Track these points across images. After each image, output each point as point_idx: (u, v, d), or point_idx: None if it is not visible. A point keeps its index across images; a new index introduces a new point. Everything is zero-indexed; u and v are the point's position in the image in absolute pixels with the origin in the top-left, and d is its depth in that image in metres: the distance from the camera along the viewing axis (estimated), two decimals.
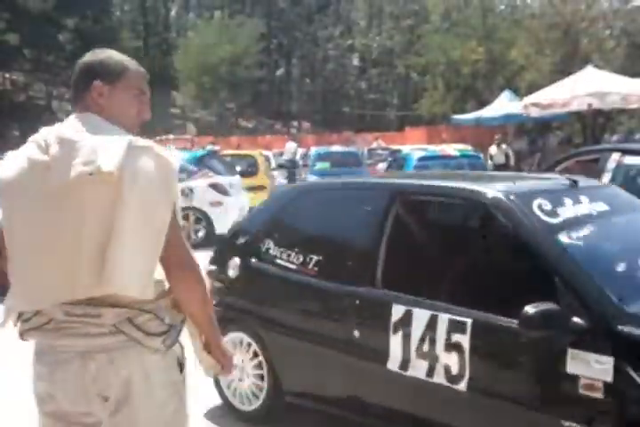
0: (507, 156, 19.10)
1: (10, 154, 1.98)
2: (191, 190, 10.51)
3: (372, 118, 47.08)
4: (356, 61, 55.88)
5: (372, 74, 50.87)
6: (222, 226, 10.29)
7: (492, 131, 24.20)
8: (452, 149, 13.52)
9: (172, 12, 61.66)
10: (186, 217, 10.10)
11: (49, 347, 1.86)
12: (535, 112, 14.57)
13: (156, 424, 1.86)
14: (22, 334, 1.89)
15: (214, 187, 10.81)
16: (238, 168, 15.45)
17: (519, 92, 23.16)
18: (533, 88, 18.98)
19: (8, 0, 35.64)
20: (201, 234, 10.84)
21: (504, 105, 22.01)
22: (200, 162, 11.76)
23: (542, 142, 23.17)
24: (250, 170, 15.29)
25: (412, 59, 39.95)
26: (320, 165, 17.97)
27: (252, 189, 14.75)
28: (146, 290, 1.76)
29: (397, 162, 12.63)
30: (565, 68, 20.98)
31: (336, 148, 20.94)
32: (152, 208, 1.74)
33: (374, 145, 24.37)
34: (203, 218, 10.80)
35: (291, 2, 56.50)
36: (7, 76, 46.74)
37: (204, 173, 11.11)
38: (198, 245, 9.55)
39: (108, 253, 1.68)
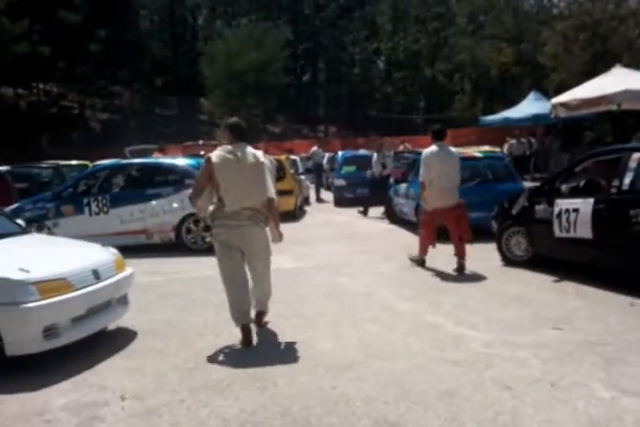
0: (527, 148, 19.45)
1: (217, 151, 5.21)
2: None
3: (399, 122, 46.89)
4: (381, 65, 55.77)
5: (398, 77, 50.71)
6: None
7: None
8: (475, 151, 13.56)
9: (200, 21, 62.28)
10: (196, 223, 10.16)
11: (222, 224, 5.17)
12: (563, 113, 14.36)
13: (262, 247, 5.34)
14: (215, 220, 5.22)
15: None
16: None
17: (548, 94, 22.89)
18: (562, 89, 18.75)
19: (40, 13, 36.37)
20: (208, 240, 10.84)
21: (531, 105, 21.81)
22: None
23: (547, 143, 22.74)
24: (277, 174, 15.25)
25: (439, 64, 39.75)
26: (346, 169, 17.98)
27: (279, 193, 14.80)
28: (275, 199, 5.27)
29: (414, 162, 12.62)
30: (595, 68, 20.67)
31: (362, 151, 20.89)
32: (270, 173, 5.28)
33: (401, 148, 24.27)
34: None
35: (315, 7, 56.69)
36: (42, 87, 47.66)
37: None
38: (206, 251, 9.43)
39: (264, 186, 5.18)
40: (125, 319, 5.93)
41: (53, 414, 3.99)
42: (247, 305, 5.26)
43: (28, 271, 4.70)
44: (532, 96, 23.02)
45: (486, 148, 19.98)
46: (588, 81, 15.05)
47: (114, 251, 5.90)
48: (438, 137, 8.18)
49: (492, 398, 3.96)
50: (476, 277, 7.56)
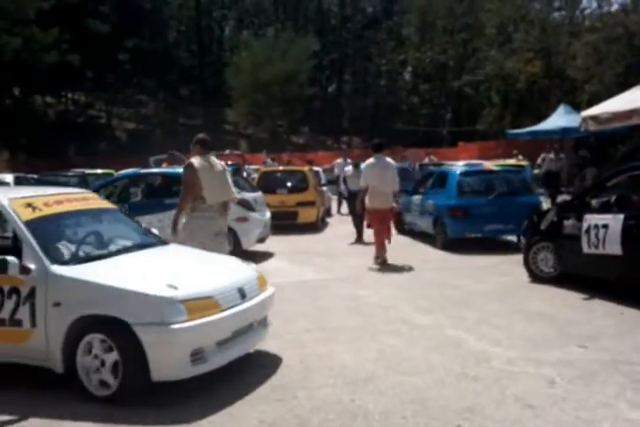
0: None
1: (195, 159, 6.72)
2: None
3: (425, 134, 46.72)
4: (408, 76, 55.68)
5: (425, 89, 50.55)
6: (247, 241, 10.40)
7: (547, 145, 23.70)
8: (492, 164, 13.69)
9: (227, 31, 62.89)
10: None
11: (201, 215, 6.67)
12: (594, 126, 14.12)
13: (225, 231, 7.11)
14: (194, 212, 6.66)
15: (241, 203, 10.44)
16: (289, 184, 15.54)
17: (581, 106, 22.62)
18: (595, 101, 18.53)
19: (70, 22, 37.00)
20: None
21: (561, 119, 21.57)
22: None
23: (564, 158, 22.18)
24: (300, 186, 15.26)
25: (467, 76, 39.59)
26: None
27: (301, 204, 14.78)
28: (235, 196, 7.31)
29: (430, 177, 12.93)
30: (628, 80, 20.38)
31: None
32: (228, 175, 7.06)
33: (426, 160, 24.16)
34: (229, 233, 10.52)
35: (342, 19, 56.92)
36: (70, 96, 48.43)
37: None
38: None
39: (230, 187, 7.03)
40: None
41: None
42: None
43: (176, 288, 4.27)
44: (561, 109, 22.80)
45: (512, 161, 19.86)
46: (620, 94, 14.82)
47: (255, 266, 5.43)
48: (377, 150, 9.68)
49: (513, 416, 3.86)
50: (500, 292, 7.44)
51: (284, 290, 6.12)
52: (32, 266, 4.38)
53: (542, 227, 7.93)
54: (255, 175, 17.57)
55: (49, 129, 39.61)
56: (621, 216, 6.64)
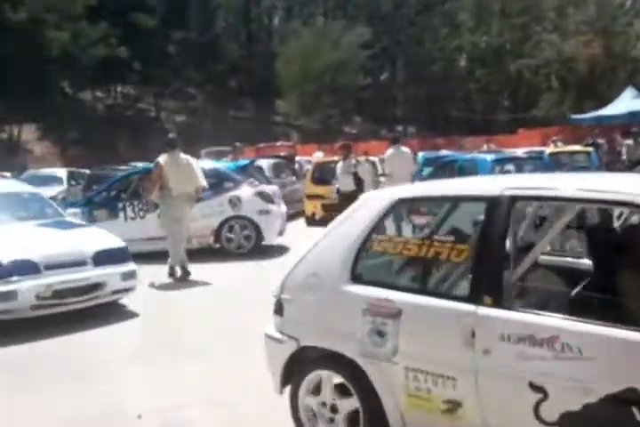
0: None
1: (162, 157, 8.92)
2: (239, 199, 10.44)
3: (482, 121, 45.27)
4: (463, 62, 54.15)
5: (481, 74, 48.99)
6: (270, 235, 10.41)
7: (612, 130, 22.42)
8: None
9: (275, 21, 62.38)
10: (231, 228, 10.41)
11: (170, 203, 8.72)
12: None
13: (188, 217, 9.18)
14: (164, 200, 8.84)
15: (261, 195, 10.63)
16: None
17: None
18: None
19: (118, 16, 37.16)
20: (251, 243, 10.55)
21: (627, 102, 20.38)
22: (244, 171, 11.56)
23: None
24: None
25: (524, 60, 38.15)
26: (428, 171, 17.03)
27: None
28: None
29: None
30: None
31: (444, 152, 19.95)
32: (199, 168, 9.26)
33: (484, 148, 23.14)
34: (251, 227, 10.42)
35: (394, 5, 55.68)
36: (119, 89, 48.78)
37: (250, 182, 10.94)
38: (247, 255, 10.26)
39: (196, 176, 9.07)
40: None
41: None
42: (184, 254, 8.75)
43: None
44: (628, 92, 21.47)
45: (576, 147, 18.79)
46: None
47: None
48: (394, 142, 11.88)
49: None
50: None
51: None
52: None
53: None
54: (309, 167, 17.19)
55: (99, 123, 39.87)
56: None
